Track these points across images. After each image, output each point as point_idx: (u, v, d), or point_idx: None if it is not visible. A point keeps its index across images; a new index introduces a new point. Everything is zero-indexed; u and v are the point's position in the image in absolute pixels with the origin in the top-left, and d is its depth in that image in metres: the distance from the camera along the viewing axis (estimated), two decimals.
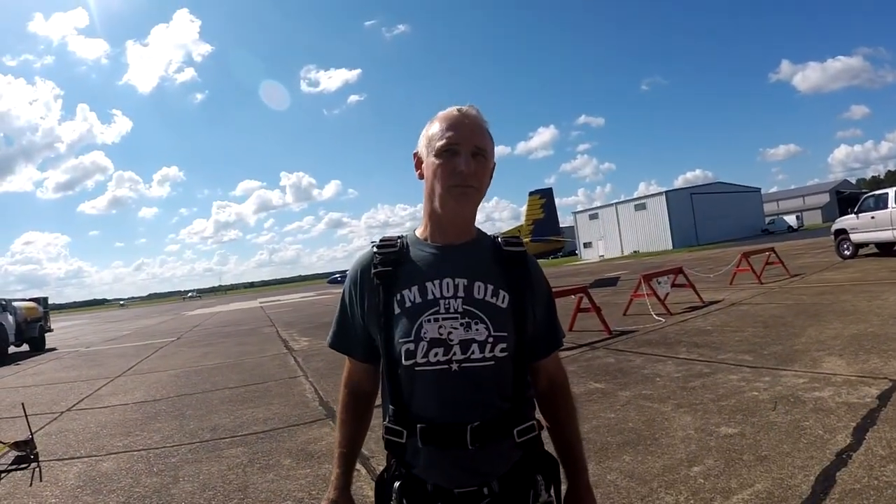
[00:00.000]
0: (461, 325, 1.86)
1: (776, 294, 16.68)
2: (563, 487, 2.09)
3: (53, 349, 27.91)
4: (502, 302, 1.92)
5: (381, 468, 2.07)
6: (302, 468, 6.43)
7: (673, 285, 16.99)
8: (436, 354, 1.84)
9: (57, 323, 43.03)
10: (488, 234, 2.12)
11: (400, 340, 1.88)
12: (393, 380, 1.94)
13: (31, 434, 7.79)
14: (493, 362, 1.85)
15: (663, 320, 14.10)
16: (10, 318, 25.92)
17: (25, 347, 27.79)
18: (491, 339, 1.86)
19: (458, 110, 1.97)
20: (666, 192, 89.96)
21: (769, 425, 5.96)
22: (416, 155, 2.05)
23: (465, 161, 1.87)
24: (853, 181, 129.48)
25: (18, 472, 7.26)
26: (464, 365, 1.84)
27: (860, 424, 5.69)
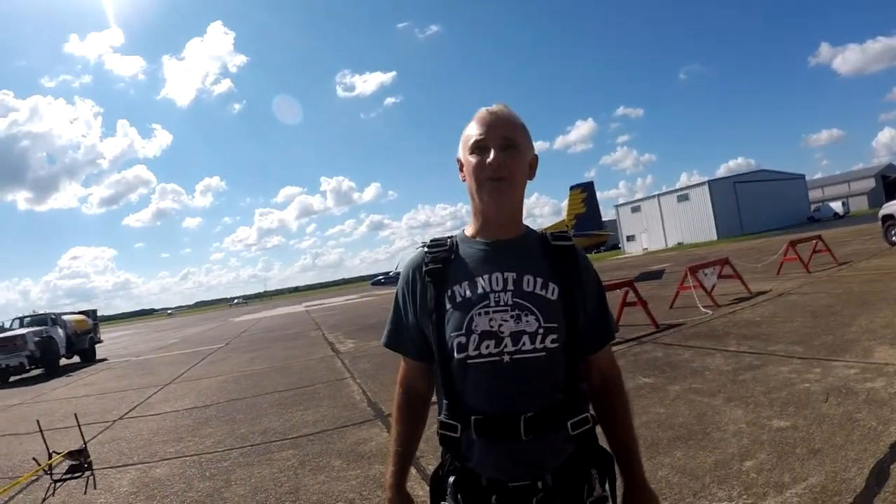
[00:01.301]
0: (511, 317, 1.88)
1: (824, 283, 16.37)
2: (618, 483, 2.08)
3: (104, 360, 28.53)
4: (552, 294, 1.94)
5: (431, 467, 2.09)
6: (352, 469, 6.47)
7: (719, 276, 16.77)
8: (487, 347, 1.87)
9: (106, 334, 43.78)
10: (536, 230, 2.14)
11: (452, 334, 1.92)
12: (446, 374, 1.97)
13: (85, 443, 7.92)
14: (544, 353, 1.87)
15: (711, 312, 13.91)
16: (61, 331, 26.56)
17: (77, 359, 28.34)
18: (542, 331, 1.87)
19: (487, 109, 2.04)
20: (708, 181, 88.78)
21: (821, 418, 5.85)
22: (458, 160, 2.12)
23: (495, 154, 1.93)
24: None
25: (73, 480, 7.41)
26: (515, 356, 1.86)
27: None
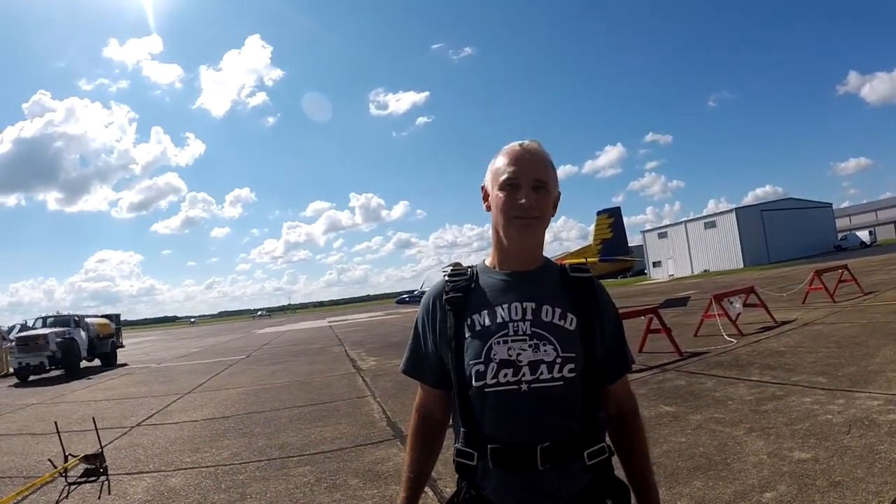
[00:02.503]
0: (530, 346, 1.90)
1: (850, 313, 16.21)
2: None
3: (125, 364, 28.75)
4: (570, 324, 1.96)
5: (449, 491, 2.08)
6: (369, 489, 6.44)
7: (745, 305, 16.62)
8: (505, 375, 1.89)
9: (128, 339, 44.09)
10: (555, 261, 2.17)
11: (470, 362, 1.93)
12: (464, 402, 1.98)
13: (101, 448, 7.99)
14: (561, 382, 1.89)
15: (735, 341, 13.77)
16: (83, 333, 26.83)
17: (97, 362, 28.58)
18: (559, 360, 1.89)
19: (521, 145, 2.05)
20: (736, 209, 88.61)
21: (843, 449, 5.77)
22: (483, 188, 2.15)
23: (527, 194, 1.96)
24: None
25: (87, 484, 7.45)
26: (533, 385, 1.88)
27: None
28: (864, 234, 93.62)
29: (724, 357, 12.01)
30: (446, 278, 2.13)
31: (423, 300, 2.20)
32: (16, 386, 21.70)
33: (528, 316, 1.94)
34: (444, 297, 2.07)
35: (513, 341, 1.90)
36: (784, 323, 15.81)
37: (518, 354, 1.89)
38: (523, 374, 1.87)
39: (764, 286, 23.66)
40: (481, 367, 1.90)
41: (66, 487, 7.30)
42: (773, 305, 17.88)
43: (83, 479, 7.58)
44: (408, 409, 2.28)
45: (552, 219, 2.11)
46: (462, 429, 2.00)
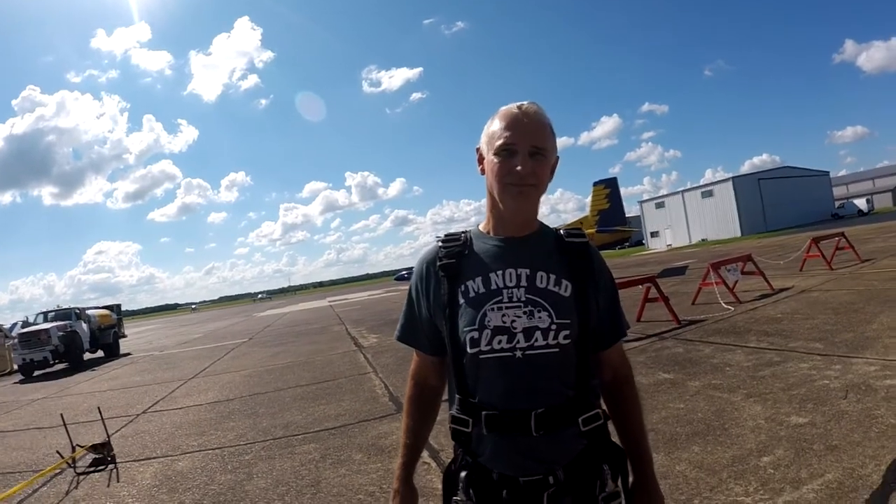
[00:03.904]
0: (524, 313, 1.89)
1: (847, 280, 16.26)
2: (630, 479, 2.09)
3: (128, 354, 28.82)
4: (565, 291, 1.94)
5: (450, 460, 2.11)
6: (373, 462, 6.54)
7: (742, 273, 16.73)
8: (500, 342, 1.88)
9: (130, 328, 44.13)
10: (551, 226, 2.14)
11: (465, 329, 1.93)
12: (458, 369, 1.98)
13: (108, 436, 8.05)
14: (556, 349, 1.88)
15: (732, 309, 13.87)
16: (85, 325, 26.82)
17: (100, 354, 28.66)
18: (554, 327, 1.88)
19: (518, 108, 1.97)
20: (733, 178, 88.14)
21: (840, 414, 5.85)
22: (478, 150, 2.08)
23: (523, 160, 1.90)
24: None
25: (96, 473, 7.53)
26: (528, 352, 1.87)
27: None
28: (861, 203, 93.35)
29: (722, 324, 12.10)
30: (440, 244, 2.10)
31: (416, 266, 2.17)
32: (21, 382, 21.69)
33: (523, 282, 1.93)
34: (438, 262, 2.05)
35: (507, 308, 1.89)
36: (781, 290, 15.88)
37: (513, 321, 1.88)
38: (518, 341, 1.87)
39: (761, 254, 23.67)
40: (475, 334, 1.89)
41: (76, 477, 7.37)
42: (770, 273, 17.96)
43: (91, 469, 7.65)
44: None
45: (550, 185, 2.05)
46: (457, 395, 2.00)
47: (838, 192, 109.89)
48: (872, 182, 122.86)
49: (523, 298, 1.91)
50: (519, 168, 1.89)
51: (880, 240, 28.83)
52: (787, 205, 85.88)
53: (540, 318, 1.89)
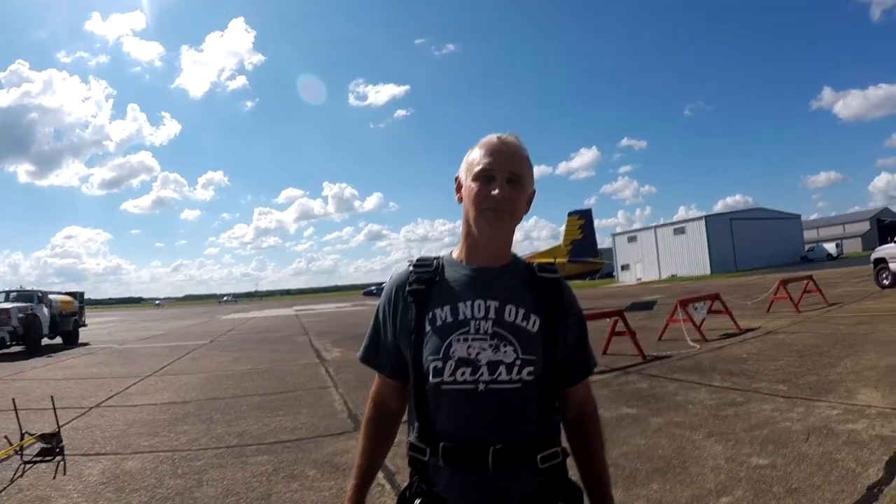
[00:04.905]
0: (490, 346, 1.87)
1: (813, 323, 16.43)
2: None
3: (86, 344, 28.34)
4: (532, 326, 1.93)
5: (405, 485, 2.06)
6: (326, 480, 6.41)
7: (709, 311, 16.79)
8: (463, 374, 1.86)
9: (92, 318, 43.31)
10: (523, 259, 2.13)
11: (429, 358, 1.90)
12: (420, 397, 1.95)
13: (59, 427, 7.84)
14: (519, 385, 1.87)
15: (698, 347, 13.90)
16: (46, 310, 26.32)
17: (59, 340, 28.15)
18: (519, 362, 1.86)
19: (498, 138, 2.01)
20: (705, 216, 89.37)
21: (801, 457, 5.84)
22: (457, 179, 2.11)
23: (501, 186, 1.92)
24: (894, 209, 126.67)
25: (43, 464, 7.30)
26: (490, 386, 1.85)
27: (893, 458, 5.57)
28: (830, 247, 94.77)
29: (687, 362, 12.11)
30: (411, 268, 2.08)
31: (385, 289, 2.15)
32: None
33: (491, 315, 1.91)
34: (407, 287, 2.03)
35: (473, 339, 1.88)
36: (748, 330, 15.99)
37: (477, 353, 1.86)
38: (481, 374, 1.85)
39: (730, 293, 23.91)
40: (439, 364, 1.87)
41: (22, 466, 7.15)
42: (737, 313, 18.09)
43: (39, 459, 7.41)
44: None
45: (524, 217, 2.07)
46: (416, 423, 1.97)
47: (809, 235, 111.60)
48: (843, 227, 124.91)
49: (490, 331, 1.89)
50: (496, 192, 1.91)
51: (848, 284, 29.24)
52: (758, 246, 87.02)
53: (505, 352, 1.87)
